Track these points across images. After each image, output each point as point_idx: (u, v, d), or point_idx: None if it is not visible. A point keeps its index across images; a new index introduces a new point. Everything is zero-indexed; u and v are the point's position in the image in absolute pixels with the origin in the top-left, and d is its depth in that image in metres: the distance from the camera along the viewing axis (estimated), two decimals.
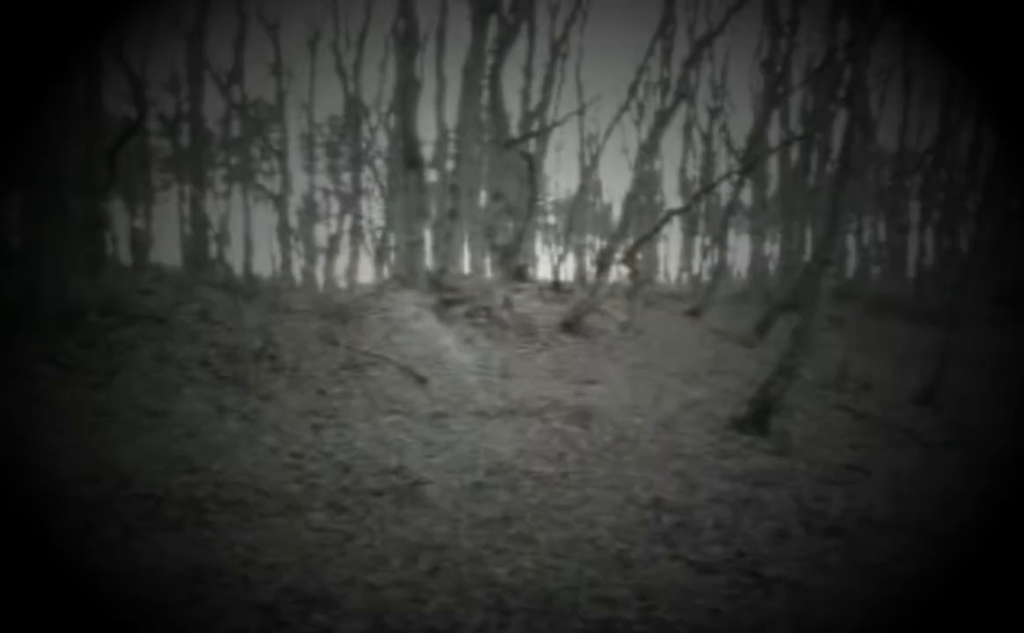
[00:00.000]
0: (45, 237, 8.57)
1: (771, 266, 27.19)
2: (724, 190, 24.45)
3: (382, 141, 28.98)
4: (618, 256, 15.93)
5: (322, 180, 33.35)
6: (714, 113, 28.23)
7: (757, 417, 8.67)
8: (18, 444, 5.93)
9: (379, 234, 27.95)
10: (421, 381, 9.29)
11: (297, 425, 7.42)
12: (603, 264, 15.54)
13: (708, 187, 24.60)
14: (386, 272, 24.73)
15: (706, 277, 22.55)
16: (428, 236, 18.40)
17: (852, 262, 28.08)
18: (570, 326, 12.81)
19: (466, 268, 20.78)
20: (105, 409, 7.00)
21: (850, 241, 27.24)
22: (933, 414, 10.70)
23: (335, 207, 33.28)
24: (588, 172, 28.03)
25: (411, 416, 8.20)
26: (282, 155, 29.28)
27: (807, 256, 22.71)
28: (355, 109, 27.36)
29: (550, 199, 39.40)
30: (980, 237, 16.61)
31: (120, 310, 8.95)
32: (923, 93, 26.38)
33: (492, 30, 15.38)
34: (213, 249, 25.22)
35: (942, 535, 5.54)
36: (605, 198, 41.25)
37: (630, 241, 17.12)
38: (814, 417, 9.72)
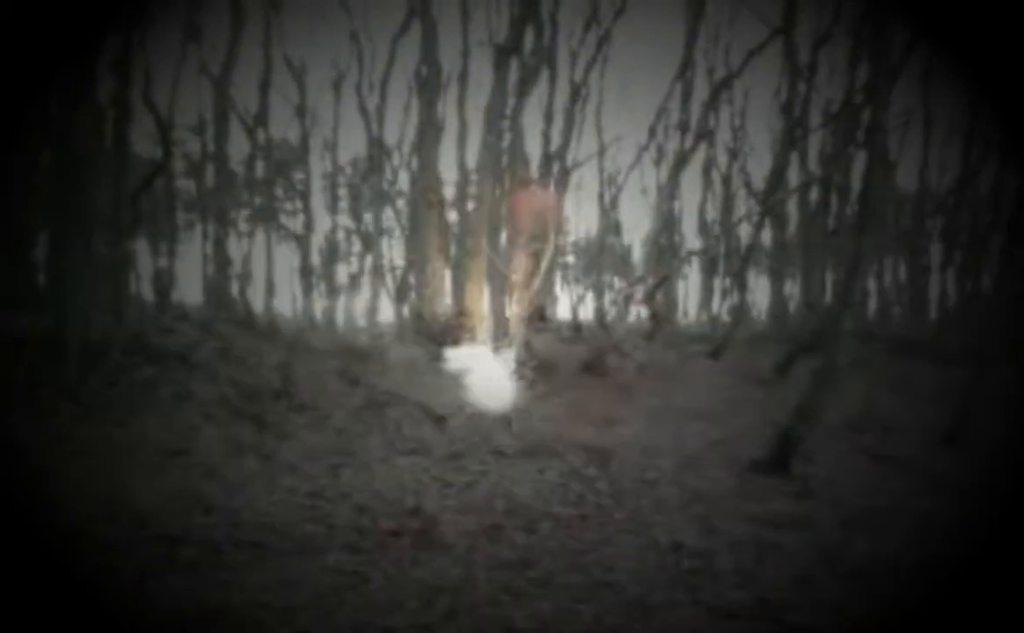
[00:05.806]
0: (71, 276, 8.70)
1: (791, 307, 27.03)
2: (744, 231, 24.48)
3: (404, 181, 29.28)
4: (638, 296, 15.92)
5: (344, 220, 33.72)
6: (733, 154, 28.32)
7: (778, 459, 8.55)
8: (39, 481, 5.97)
9: (399, 273, 28.11)
10: (439, 421, 9.27)
11: (315, 465, 7.41)
12: (623, 304, 15.51)
13: (728, 228, 24.60)
14: (406, 311, 24.80)
15: (726, 317, 22.46)
16: (448, 276, 18.50)
17: (873, 303, 27.89)
18: (590, 366, 12.77)
19: (486, 308, 20.80)
20: (126, 448, 7.04)
21: (871, 283, 27.04)
22: (958, 456, 10.50)
23: (356, 246, 33.58)
24: (608, 213, 28.10)
25: (429, 456, 8.16)
26: (305, 195, 29.62)
27: (827, 297, 22.58)
28: (378, 150, 27.66)
29: (570, 239, 39.49)
30: (1004, 278, 16.44)
31: (143, 348, 9.06)
32: (944, 134, 26.31)
33: (513, 73, 15.58)
34: (235, 288, 25.45)
35: (969, 579, 5.41)
36: (625, 238, 41.17)
37: (650, 281, 17.10)
38: (836, 459, 9.57)
